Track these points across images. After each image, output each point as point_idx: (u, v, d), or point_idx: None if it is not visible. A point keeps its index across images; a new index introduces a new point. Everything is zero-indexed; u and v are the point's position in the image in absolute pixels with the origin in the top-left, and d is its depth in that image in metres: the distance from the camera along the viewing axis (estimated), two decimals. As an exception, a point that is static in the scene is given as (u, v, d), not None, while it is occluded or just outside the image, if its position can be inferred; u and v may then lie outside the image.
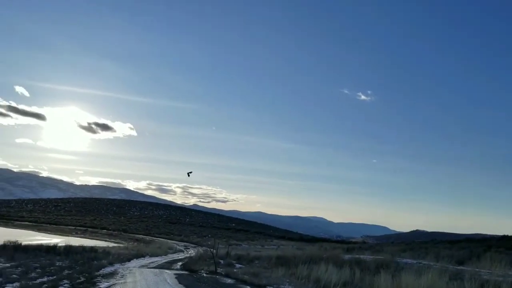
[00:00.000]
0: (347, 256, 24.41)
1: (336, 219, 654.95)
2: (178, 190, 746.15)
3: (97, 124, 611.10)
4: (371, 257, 24.07)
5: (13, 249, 22.46)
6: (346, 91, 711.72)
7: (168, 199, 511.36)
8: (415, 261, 21.62)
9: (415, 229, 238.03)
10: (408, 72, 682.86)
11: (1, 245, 23.48)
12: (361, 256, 24.31)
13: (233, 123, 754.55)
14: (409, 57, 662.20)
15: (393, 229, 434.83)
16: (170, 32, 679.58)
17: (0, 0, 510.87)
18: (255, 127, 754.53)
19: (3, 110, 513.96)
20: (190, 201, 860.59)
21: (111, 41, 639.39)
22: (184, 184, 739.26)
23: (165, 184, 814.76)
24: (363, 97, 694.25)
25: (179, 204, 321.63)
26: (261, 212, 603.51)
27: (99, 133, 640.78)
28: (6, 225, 74.31)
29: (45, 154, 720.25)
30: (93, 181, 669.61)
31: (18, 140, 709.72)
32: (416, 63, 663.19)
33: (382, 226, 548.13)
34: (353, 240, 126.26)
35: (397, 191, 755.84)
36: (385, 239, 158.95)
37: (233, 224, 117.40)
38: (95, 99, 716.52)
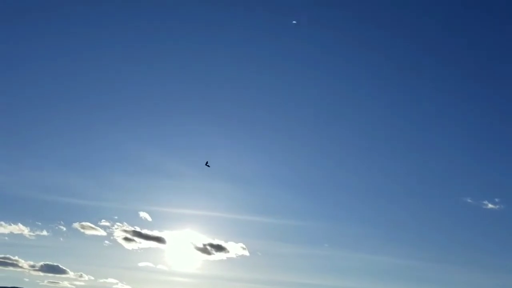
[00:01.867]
0: None
1: None
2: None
3: (211, 245, 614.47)
4: None
5: None
6: (470, 200, 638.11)
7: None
8: None
9: None
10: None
11: None
12: None
13: (346, 239, 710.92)
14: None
15: None
16: (277, 154, 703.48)
17: (128, 134, 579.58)
18: (369, 243, 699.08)
19: (129, 235, 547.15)
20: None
21: (220, 163, 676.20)
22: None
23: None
24: (489, 205, 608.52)
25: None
26: None
27: (213, 254, 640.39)
28: None
29: (164, 277, 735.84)
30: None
31: (140, 264, 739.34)
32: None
33: None
34: None
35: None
36: None
37: None
38: (209, 220, 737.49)
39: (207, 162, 73.32)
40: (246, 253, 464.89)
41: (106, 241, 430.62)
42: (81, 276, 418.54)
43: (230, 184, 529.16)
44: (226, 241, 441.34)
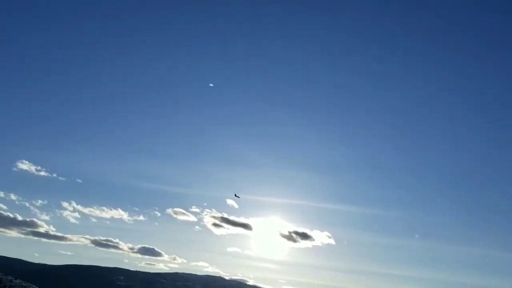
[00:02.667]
0: None
1: None
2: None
3: (297, 233, 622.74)
4: None
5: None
6: None
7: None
8: None
9: None
10: None
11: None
12: None
13: (438, 230, 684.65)
14: None
15: None
16: (364, 142, 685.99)
17: (217, 129, 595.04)
18: (463, 234, 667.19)
19: (217, 221, 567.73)
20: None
21: (305, 152, 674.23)
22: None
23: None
24: None
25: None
26: None
27: (299, 242, 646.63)
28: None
29: (251, 262, 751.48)
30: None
31: (229, 249, 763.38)
32: None
33: None
34: None
35: None
36: None
37: None
38: (293, 208, 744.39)
39: (236, 194, 65.70)
40: (332, 241, 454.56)
41: (197, 226, 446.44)
42: (174, 259, 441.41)
43: (315, 173, 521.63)
44: (311, 229, 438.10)
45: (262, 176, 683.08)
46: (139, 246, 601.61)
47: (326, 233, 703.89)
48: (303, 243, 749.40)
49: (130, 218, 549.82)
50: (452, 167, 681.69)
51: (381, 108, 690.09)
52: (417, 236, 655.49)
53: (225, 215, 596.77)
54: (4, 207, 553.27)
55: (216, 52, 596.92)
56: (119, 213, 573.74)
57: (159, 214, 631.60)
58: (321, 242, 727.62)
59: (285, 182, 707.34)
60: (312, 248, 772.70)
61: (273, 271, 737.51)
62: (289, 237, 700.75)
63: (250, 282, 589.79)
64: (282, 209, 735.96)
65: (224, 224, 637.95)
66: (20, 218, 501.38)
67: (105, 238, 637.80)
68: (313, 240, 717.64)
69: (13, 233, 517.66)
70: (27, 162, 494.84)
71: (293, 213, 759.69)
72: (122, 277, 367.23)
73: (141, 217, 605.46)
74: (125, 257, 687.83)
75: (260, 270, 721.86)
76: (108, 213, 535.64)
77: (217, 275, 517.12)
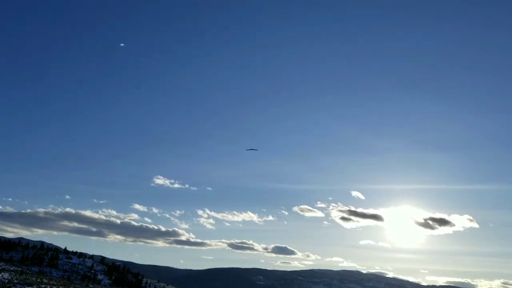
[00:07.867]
0: None
1: None
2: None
3: (433, 219, 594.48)
4: None
5: None
6: None
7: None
8: None
9: None
10: None
11: None
12: None
13: None
14: None
15: None
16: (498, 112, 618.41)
17: (334, 119, 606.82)
18: None
19: (345, 215, 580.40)
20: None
21: (432, 131, 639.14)
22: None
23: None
24: None
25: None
26: None
27: (436, 228, 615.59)
28: None
29: (387, 254, 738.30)
30: (440, 281, 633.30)
31: (362, 242, 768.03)
32: None
33: None
34: None
35: None
36: None
37: None
38: (426, 194, 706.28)
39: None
40: (475, 225, 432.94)
41: (325, 222, 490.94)
42: (308, 255, 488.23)
43: (446, 153, 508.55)
44: (449, 214, 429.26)
45: (387, 163, 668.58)
46: (272, 245, 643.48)
47: (467, 216, 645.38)
48: (441, 230, 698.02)
49: (260, 219, 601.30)
50: None
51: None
52: None
53: (352, 208, 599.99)
54: (149, 220, 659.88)
55: (328, 48, 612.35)
56: (249, 215, 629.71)
57: (286, 213, 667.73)
58: (463, 227, 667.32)
59: (413, 167, 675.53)
60: (453, 234, 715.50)
61: (412, 261, 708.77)
62: (425, 225, 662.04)
63: (390, 275, 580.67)
64: (413, 195, 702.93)
65: (352, 217, 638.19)
66: (163, 229, 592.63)
67: (239, 240, 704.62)
68: (453, 225, 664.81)
69: (160, 243, 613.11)
70: (161, 177, 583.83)
71: (426, 198, 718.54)
72: (262, 277, 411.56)
73: (270, 217, 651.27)
74: (261, 257, 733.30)
75: (398, 261, 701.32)
76: (239, 217, 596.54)
77: (354, 269, 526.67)
